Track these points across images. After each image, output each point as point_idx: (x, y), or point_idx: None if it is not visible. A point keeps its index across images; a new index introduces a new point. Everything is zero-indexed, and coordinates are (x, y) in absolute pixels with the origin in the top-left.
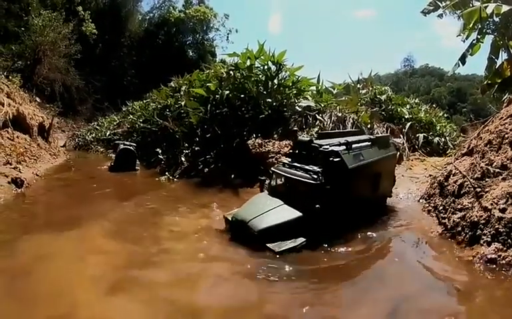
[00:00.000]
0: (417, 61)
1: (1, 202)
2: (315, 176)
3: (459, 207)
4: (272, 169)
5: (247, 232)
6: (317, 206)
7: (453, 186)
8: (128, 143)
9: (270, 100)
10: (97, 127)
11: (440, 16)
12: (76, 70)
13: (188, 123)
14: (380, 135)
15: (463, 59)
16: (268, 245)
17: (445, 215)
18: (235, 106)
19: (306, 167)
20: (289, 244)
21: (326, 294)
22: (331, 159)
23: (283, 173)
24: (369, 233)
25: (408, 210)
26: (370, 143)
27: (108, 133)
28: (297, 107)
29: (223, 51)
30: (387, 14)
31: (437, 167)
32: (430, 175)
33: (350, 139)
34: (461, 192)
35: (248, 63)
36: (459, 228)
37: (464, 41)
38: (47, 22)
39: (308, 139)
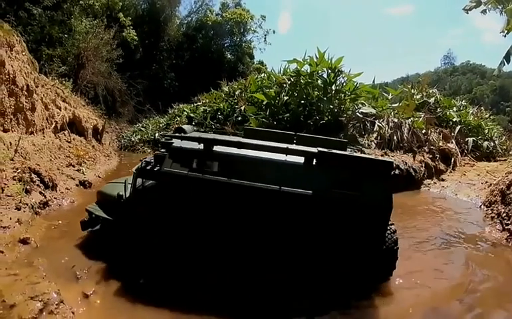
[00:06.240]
0: (457, 58)
1: (75, 205)
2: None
3: None
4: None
5: None
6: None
7: None
8: None
9: (332, 106)
10: (142, 128)
11: (484, 12)
12: (118, 74)
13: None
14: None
15: (507, 57)
16: (95, 203)
17: (509, 222)
18: (296, 111)
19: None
20: (97, 212)
21: None
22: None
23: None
24: None
25: (472, 215)
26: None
27: (156, 135)
28: (358, 114)
29: (261, 53)
30: (421, 10)
31: (490, 173)
32: (486, 182)
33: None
34: None
35: (308, 69)
36: None
37: (505, 36)
38: (89, 28)
39: (184, 128)
